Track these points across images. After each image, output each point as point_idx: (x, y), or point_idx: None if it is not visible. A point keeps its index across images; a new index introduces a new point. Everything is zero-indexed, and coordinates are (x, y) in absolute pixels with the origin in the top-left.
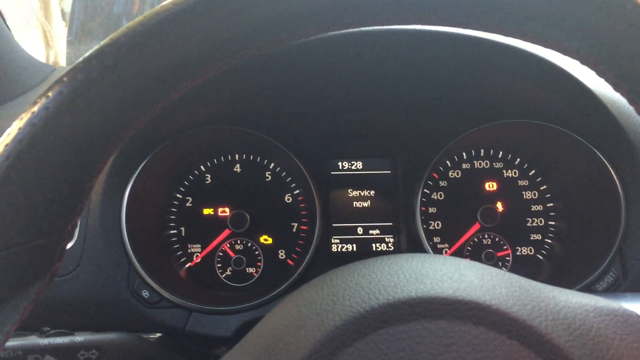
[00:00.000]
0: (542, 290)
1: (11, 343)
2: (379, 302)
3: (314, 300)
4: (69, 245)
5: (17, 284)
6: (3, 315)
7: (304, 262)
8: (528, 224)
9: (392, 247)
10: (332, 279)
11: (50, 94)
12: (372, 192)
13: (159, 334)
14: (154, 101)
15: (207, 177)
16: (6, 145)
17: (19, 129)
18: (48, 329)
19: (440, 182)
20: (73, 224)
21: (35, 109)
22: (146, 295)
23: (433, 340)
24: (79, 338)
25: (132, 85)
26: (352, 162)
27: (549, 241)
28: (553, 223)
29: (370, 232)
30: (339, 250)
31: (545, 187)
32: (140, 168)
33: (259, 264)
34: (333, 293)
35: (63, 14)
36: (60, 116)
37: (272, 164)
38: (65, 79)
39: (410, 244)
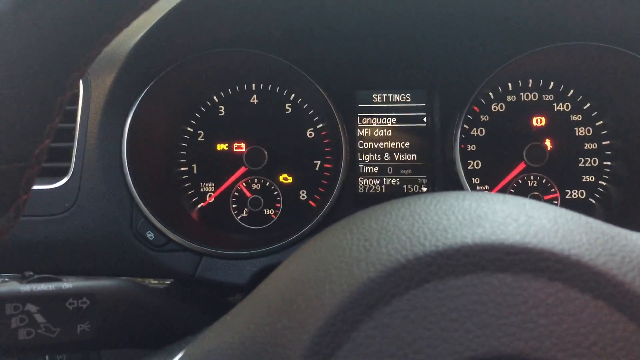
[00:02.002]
0: (629, 237)
1: None
2: (424, 250)
3: (341, 245)
4: (64, 180)
5: None
6: None
7: (328, 204)
8: (580, 164)
9: (426, 189)
10: (364, 219)
11: None
12: (405, 127)
13: (169, 280)
14: None
15: (221, 108)
16: None
17: None
18: (31, 273)
19: (481, 117)
20: (42, 147)
21: None
22: (151, 236)
23: (495, 298)
24: (66, 284)
25: None
26: (383, 94)
27: (604, 184)
28: (609, 164)
29: (402, 171)
30: (366, 191)
31: (601, 122)
32: (142, 94)
33: (278, 205)
34: (365, 237)
35: None
36: (21, 7)
37: (293, 95)
38: None
39: (446, 185)
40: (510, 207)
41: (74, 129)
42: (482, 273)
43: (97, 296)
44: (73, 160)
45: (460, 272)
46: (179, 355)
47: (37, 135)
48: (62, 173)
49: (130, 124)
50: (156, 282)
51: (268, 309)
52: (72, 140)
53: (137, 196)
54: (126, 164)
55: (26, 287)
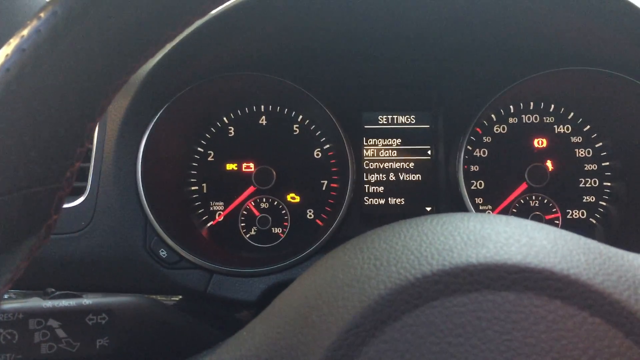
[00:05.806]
0: (626, 258)
1: (10, 305)
2: (431, 269)
3: (352, 264)
4: (80, 199)
5: (7, 238)
6: None
7: (334, 223)
8: (580, 185)
9: (430, 208)
10: (374, 240)
11: (42, 14)
12: (410, 148)
13: (178, 297)
14: (164, 27)
15: (231, 129)
16: None
17: (6, 56)
18: (52, 290)
19: (484, 138)
20: (72, 170)
21: (25, 32)
22: (164, 254)
23: (498, 315)
24: (87, 301)
25: (138, 7)
26: (388, 115)
27: (604, 204)
28: (609, 184)
29: (407, 191)
30: (372, 210)
31: (601, 144)
32: (156, 117)
33: (286, 223)
34: (375, 257)
35: None
36: (55, 41)
37: (301, 116)
38: None
39: (450, 205)
40: (512, 228)
41: (90, 149)
42: (486, 291)
43: (116, 312)
44: (89, 180)
45: (465, 290)
46: None
47: (68, 159)
48: (78, 192)
49: (145, 145)
50: (163, 298)
51: (283, 325)
52: (89, 160)
53: (150, 215)
54: (141, 184)
55: (48, 303)
